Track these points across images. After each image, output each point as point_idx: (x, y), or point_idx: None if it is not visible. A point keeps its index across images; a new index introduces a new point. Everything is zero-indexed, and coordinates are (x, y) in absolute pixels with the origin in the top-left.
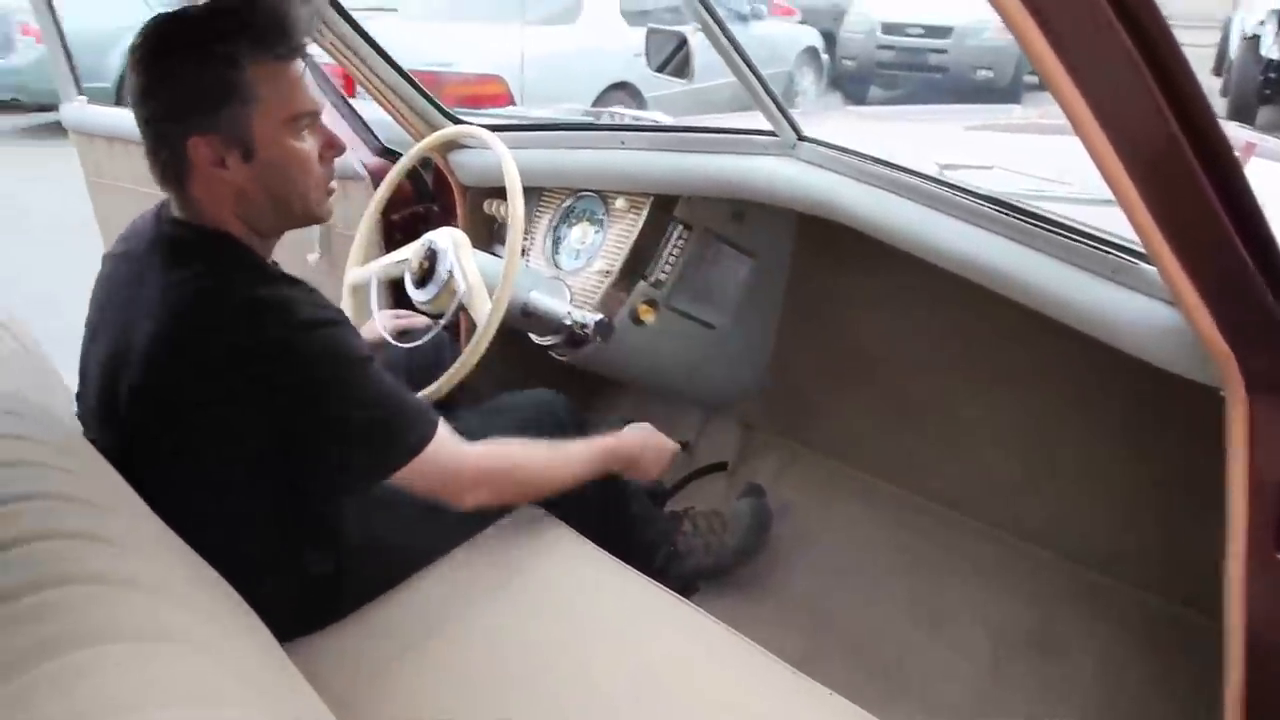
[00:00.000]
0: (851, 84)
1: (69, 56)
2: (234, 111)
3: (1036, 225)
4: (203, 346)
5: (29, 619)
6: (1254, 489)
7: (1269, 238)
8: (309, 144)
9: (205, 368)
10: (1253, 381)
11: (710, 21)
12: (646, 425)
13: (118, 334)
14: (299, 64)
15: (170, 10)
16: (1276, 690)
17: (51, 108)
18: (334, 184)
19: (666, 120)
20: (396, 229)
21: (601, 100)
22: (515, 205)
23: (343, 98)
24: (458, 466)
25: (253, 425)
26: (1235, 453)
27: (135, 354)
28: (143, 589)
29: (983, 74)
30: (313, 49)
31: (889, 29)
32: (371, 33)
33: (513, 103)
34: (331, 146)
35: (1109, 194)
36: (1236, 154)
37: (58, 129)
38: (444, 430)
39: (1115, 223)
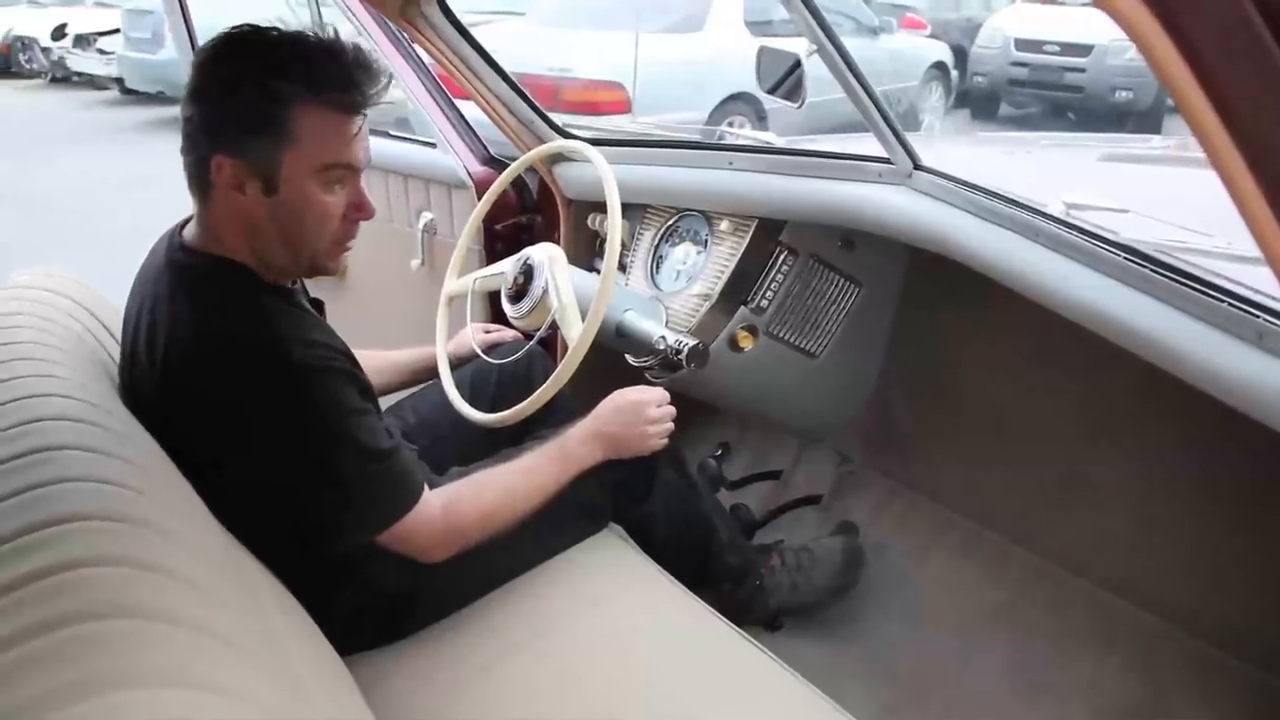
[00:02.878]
0: (981, 101)
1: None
2: (266, 144)
3: (1174, 279)
4: (201, 388)
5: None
6: None
7: None
8: (335, 198)
9: (204, 409)
10: None
11: (826, 42)
12: (620, 392)
13: (131, 336)
14: (356, 120)
15: (254, 26)
16: None
17: None
18: (351, 244)
19: (777, 142)
20: (499, 239)
21: (720, 110)
22: (614, 224)
23: (451, 104)
24: (430, 532)
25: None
26: None
27: (147, 371)
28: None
29: (1122, 95)
30: (421, 53)
31: (1024, 45)
32: (496, 35)
33: (630, 110)
34: (359, 208)
35: (1258, 250)
36: None
37: None
38: (425, 496)
39: (1266, 282)
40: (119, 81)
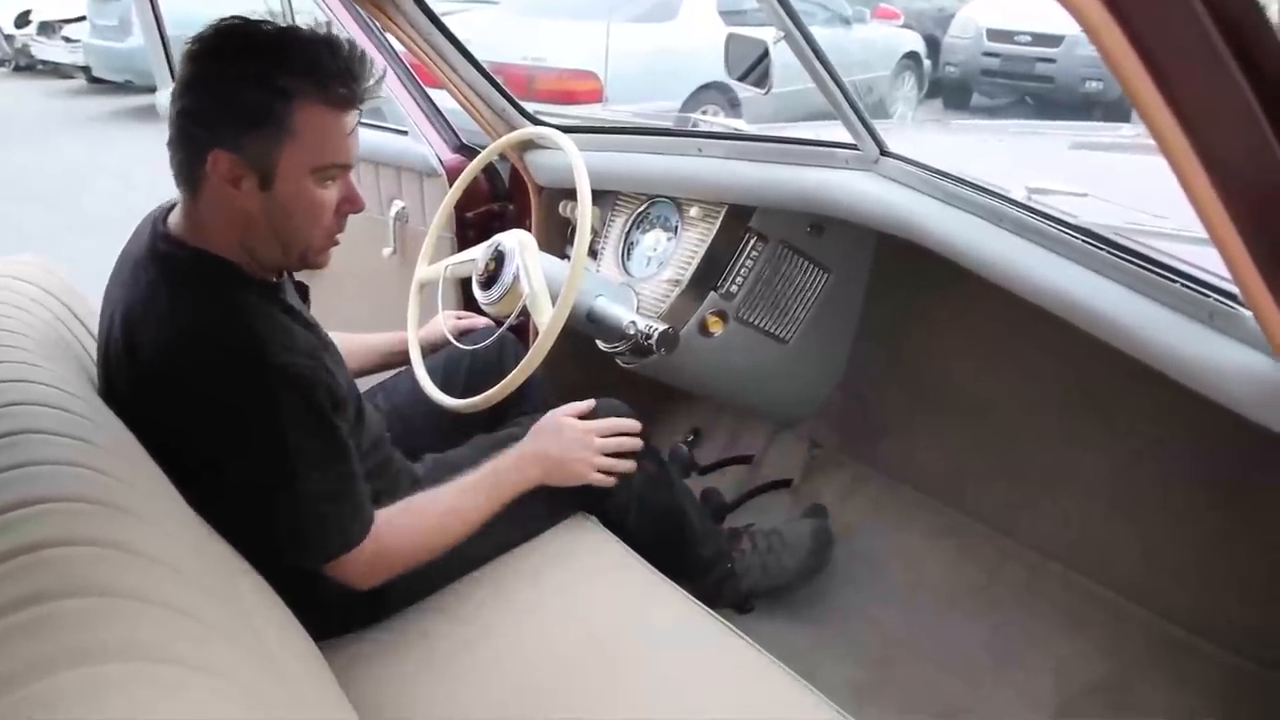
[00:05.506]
0: (953, 92)
1: (165, 43)
2: (266, 139)
3: (1129, 261)
4: (175, 383)
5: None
6: None
7: None
8: (329, 193)
9: (176, 403)
10: None
11: (793, 29)
12: (556, 416)
13: (107, 326)
14: (352, 116)
15: (249, 16)
16: None
17: None
18: (339, 238)
19: (746, 129)
20: (470, 227)
21: (694, 99)
22: (584, 210)
23: (423, 92)
24: (362, 560)
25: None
26: None
27: (123, 361)
28: (157, 603)
29: (1092, 85)
30: (392, 41)
31: (995, 36)
32: (468, 25)
33: (604, 99)
34: (351, 202)
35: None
36: None
37: None
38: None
39: (1216, 262)
40: (85, 70)
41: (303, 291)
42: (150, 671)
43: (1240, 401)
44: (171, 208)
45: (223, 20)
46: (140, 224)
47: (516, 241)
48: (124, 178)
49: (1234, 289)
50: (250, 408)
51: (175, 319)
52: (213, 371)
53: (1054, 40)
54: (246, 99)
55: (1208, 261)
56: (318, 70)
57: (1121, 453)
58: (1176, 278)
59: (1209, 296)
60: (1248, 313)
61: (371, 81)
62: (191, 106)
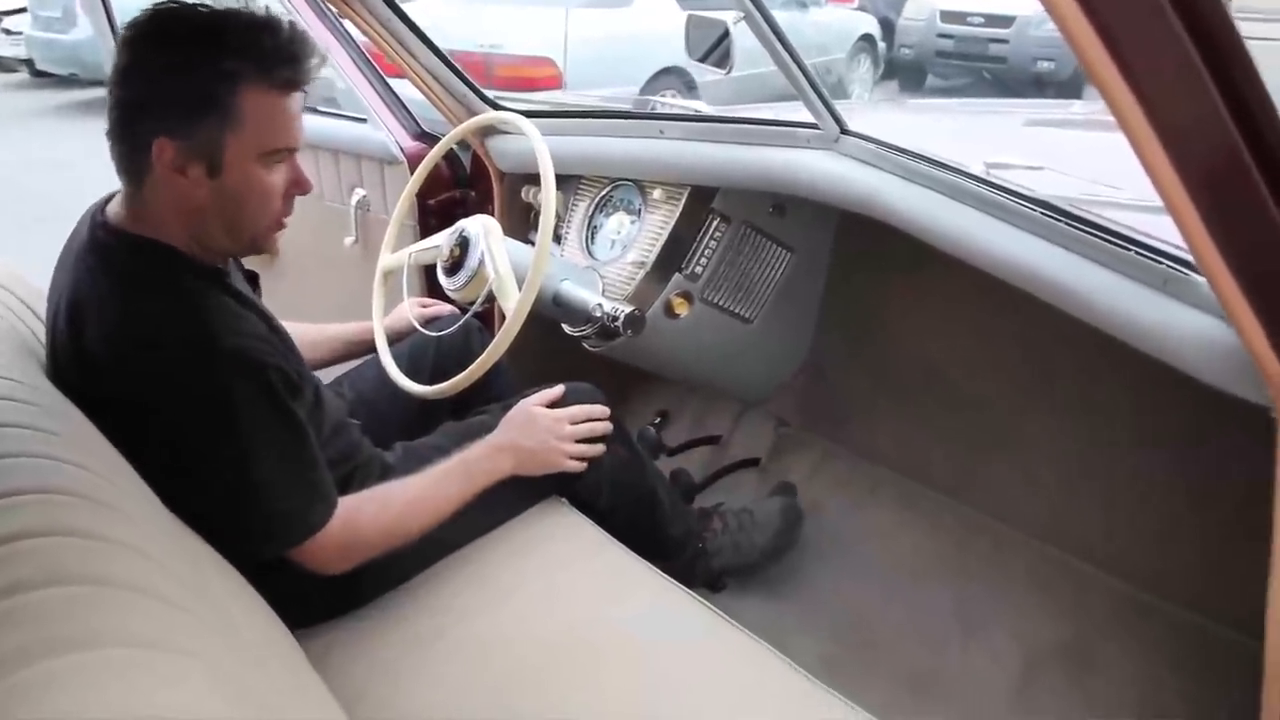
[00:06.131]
0: (908, 73)
1: (116, 35)
2: (212, 126)
3: (1084, 230)
4: (125, 374)
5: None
6: None
7: None
8: (277, 177)
9: (128, 394)
10: None
11: (753, 9)
12: (527, 406)
13: (53, 317)
14: (296, 98)
15: (183, 2)
16: None
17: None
18: (287, 220)
19: (707, 110)
20: (433, 214)
21: (651, 84)
22: (548, 194)
23: (382, 79)
24: (331, 545)
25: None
26: None
27: (69, 352)
28: (137, 590)
29: (1044, 65)
30: (350, 28)
31: (949, 17)
32: (424, 12)
33: (563, 85)
34: (298, 184)
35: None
36: None
37: None
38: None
39: (1170, 230)
40: (28, 63)
41: (252, 279)
42: (144, 658)
43: (1195, 365)
44: (111, 198)
45: (158, 4)
46: (82, 216)
47: (481, 227)
48: (73, 171)
49: (1188, 256)
50: (202, 393)
51: (120, 308)
52: (162, 359)
53: (1006, 21)
54: (189, 85)
55: (1161, 230)
56: (260, 53)
57: (1083, 421)
58: (1132, 246)
59: (1162, 263)
60: (1201, 279)
61: (314, 61)
62: (132, 95)
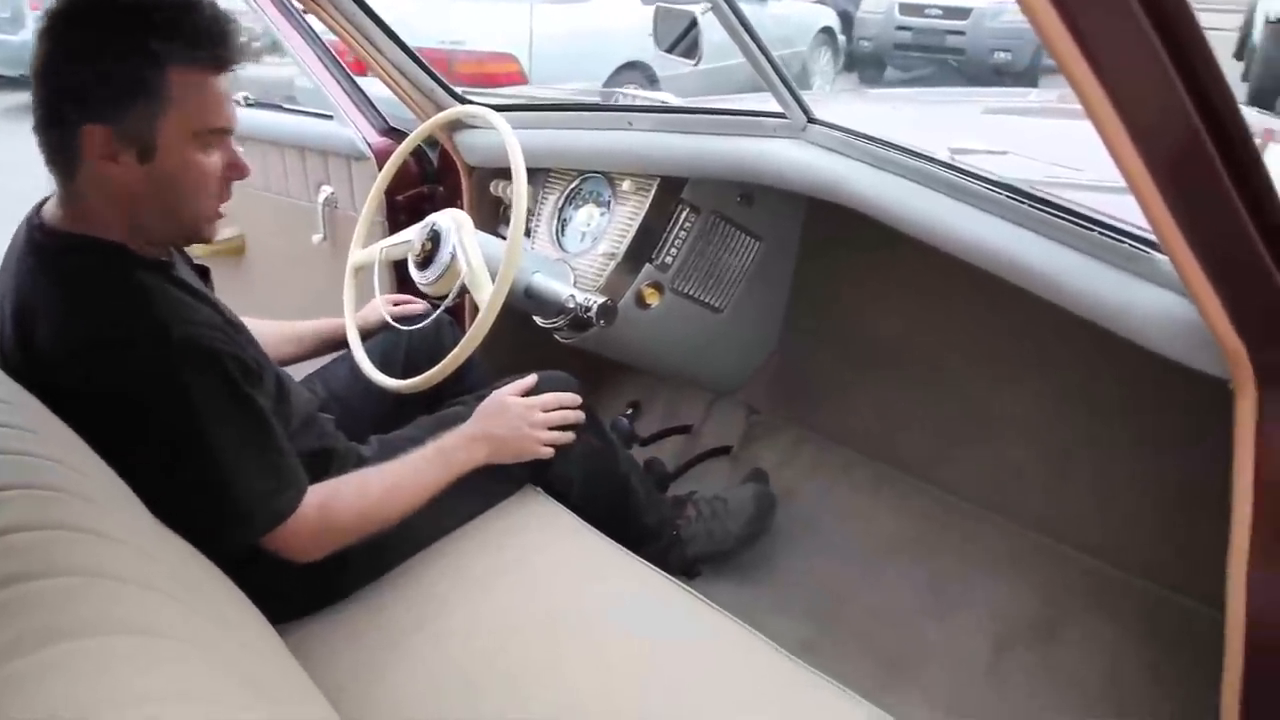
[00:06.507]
0: (868, 66)
1: None
2: (141, 110)
3: (1048, 212)
4: (80, 376)
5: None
6: (1260, 483)
7: None
8: (213, 160)
9: (85, 396)
10: (1263, 375)
11: (720, 0)
12: (500, 395)
13: (0, 319)
14: (225, 78)
15: None
16: (1274, 684)
17: None
18: (223, 209)
19: (675, 101)
20: (401, 210)
21: (614, 80)
22: (519, 187)
23: (348, 75)
24: (306, 532)
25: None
26: (1243, 447)
27: (18, 355)
28: (128, 580)
29: (1000, 56)
30: (316, 25)
31: (907, 9)
32: (389, 9)
33: (526, 81)
34: (235, 168)
35: (1123, 181)
36: (1256, 141)
37: None
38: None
39: (1130, 210)
40: None
41: (203, 273)
42: (138, 644)
43: (1157, 341)
44: (46, 201)
45: None
46: (19, 223)
47: (452, 220)
48: (26, 173)
49: (1149, 235)
50: (158, 385)
51: (66, 310)
52: (114, 355)
53: (963, 13)
54: (115, 69)
55: (1122, 210)
56: (186, 32)
57: (1049, 399)
58: (1094, 227)
59: (1125, 243)
60: (1162, 256)
61: (243, 40)
62: (56, 83)
